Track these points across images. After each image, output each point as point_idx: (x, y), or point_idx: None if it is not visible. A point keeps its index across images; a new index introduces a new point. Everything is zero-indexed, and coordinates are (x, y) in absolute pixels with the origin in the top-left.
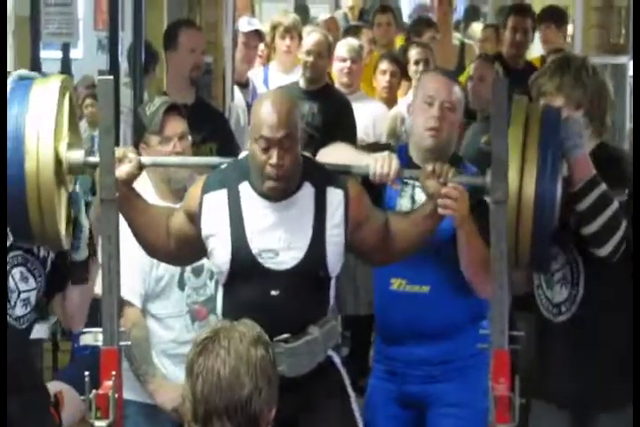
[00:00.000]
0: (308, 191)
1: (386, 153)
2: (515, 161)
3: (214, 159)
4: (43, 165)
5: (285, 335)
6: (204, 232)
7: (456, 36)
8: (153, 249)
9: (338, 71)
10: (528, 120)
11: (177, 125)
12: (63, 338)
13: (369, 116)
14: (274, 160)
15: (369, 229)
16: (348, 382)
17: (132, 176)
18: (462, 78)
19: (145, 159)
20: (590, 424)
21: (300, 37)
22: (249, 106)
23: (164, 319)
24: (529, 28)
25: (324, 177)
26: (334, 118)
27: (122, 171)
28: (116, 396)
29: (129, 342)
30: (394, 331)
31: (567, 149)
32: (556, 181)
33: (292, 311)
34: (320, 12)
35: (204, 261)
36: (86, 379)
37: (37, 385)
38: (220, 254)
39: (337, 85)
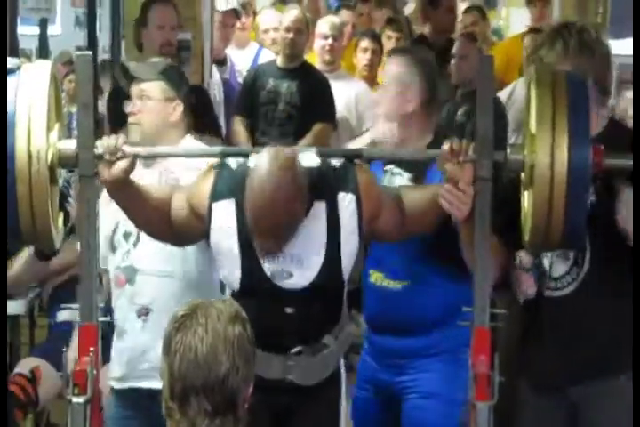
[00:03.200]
0: (318, 208)
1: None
2: (545, 129)
3: (216, 149)
4: (35, 161)
5: (298, 348)
6: (213, 241)
7: None
8: (153, 233)
9: (319, 48)
10: (554, 86)
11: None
12: (40, 314)
13: (351, 93)
14: (266, 247)
15: (384, 217)
16: (343, 382)
17: (130, 172)
18: None
19: (142, 151)
20: (584, 404)
21: (255, 14)
22: (225, 83)
23: None
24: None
25: (333, 183)
26: (312, 96)
27: (119, 169)
28: (94, 372)
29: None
30: (370, 320)
31: None
32: (588, 148)
33: (308, 326)
34: None
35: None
36: (63, 355)
37: None
38: (230, 272)
39: (319, 63)
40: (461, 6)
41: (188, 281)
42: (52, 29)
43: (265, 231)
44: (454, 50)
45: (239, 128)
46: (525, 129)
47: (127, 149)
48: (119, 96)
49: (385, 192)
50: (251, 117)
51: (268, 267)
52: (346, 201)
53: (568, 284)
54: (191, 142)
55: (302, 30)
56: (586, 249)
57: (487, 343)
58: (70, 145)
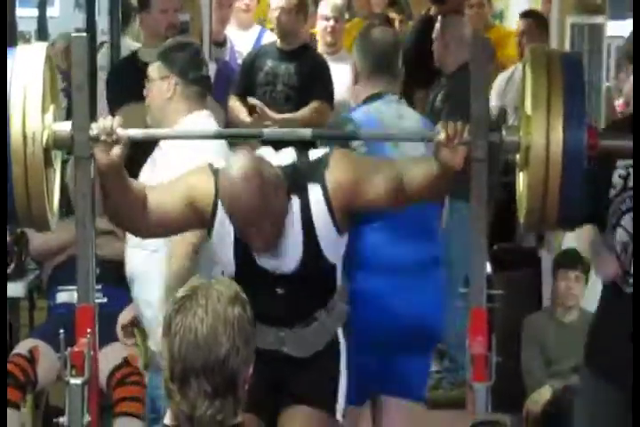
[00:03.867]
0: (294, 203)
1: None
2: (540, 111)
3: (210, 131)
4: (30, 142)
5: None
6: (214, 232)
7: None
8: (123, 223)
9: (321, 30)
10: (549, 67)
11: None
12: (39, 296)
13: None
14: (256, 247)
15: (373, 191)
16: (344, 356)
17: (123, 157)
18: None
19: (135, 133)
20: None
21: None
22: (224, 63)
23: None
24: None
25: (303, 175)
26: (310, 78)
27: (114, 154)
28: (92, 353)
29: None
30: None
31: None
32: (583, 129)
33: (300, 304)
34: None
35: None
36: (61, 336)
37: None
38: (226, 257)
39: (321, 45)
40: None
41: None
42: (51, 11)
43: (249, 235)
44: (434, 33)
45: (235, 104)
46: (521, 110)
47: (121, 131)
48: (118, 76)
49: (373, 168)
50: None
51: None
52: (314, 191)
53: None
54: (197, 118)
55: (291, 10)
56: None
57: (484, 325)
58: (65, 127)
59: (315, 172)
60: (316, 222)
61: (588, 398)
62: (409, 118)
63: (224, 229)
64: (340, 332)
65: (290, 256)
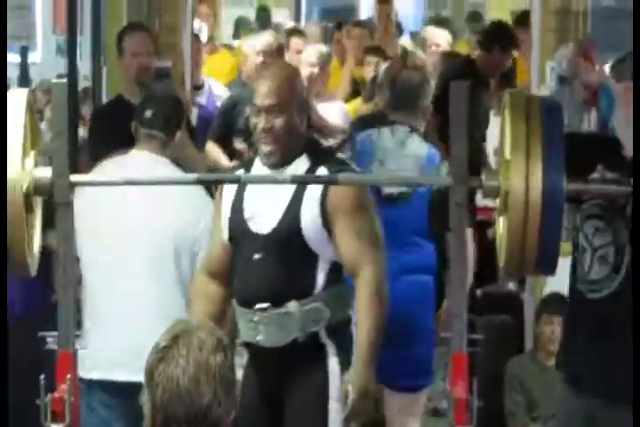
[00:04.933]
0: (302, 164)
1: None
2: (519, 156)
3: (191, 177)
4: (11, 189)
5: (265, 305)
6: (223, 204)
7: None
8: None
9: (307, 77)
10: (528, 111)
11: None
12: None
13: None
14: (262, 125)
15: (337, 235)
16: (335, 379)
17: None
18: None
19: (117, 179)
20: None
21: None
22: (201, 108)
23: None
24: None
25: (325, 157)
26: None
27: None
28: (72, 399)
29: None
30: None
31: None
32: (562, 174)
33: (272, 277)
34: (281, 18)
35: None
36: (42, 382)
37: None
38: (223, 221)
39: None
40: None
41: None
42: (33, 57)
43: (262, 106)
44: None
45: (213, 149)
46: (500, 155)
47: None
48: (103, 119)
49: (360, 216)
50: (225, 145)
51: (247, 210)
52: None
53: (602, 289)
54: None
55: (273, 55)
56: (624, 254)
57: (465, 370)
58: (46, 173)
59: (337, 161)
60: (306, 194)
61: (564, 404)
62: (411, 147)
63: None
64: (330, 349)
65: (272, 214)
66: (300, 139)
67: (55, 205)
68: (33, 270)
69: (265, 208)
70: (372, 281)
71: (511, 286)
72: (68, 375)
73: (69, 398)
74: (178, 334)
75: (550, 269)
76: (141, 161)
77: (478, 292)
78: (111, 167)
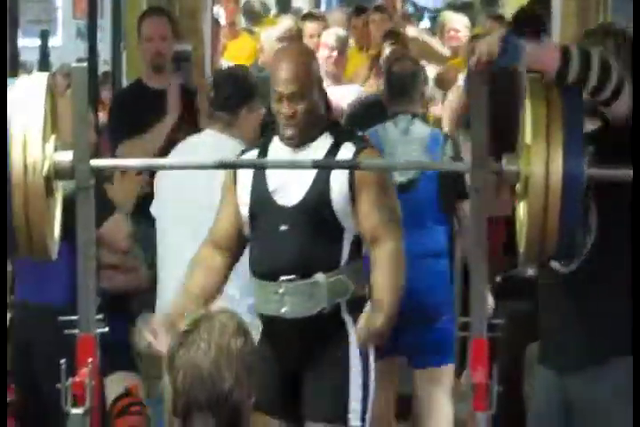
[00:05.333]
0: (325, 141)
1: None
2: (540, 141)
3: (209, 161)
4: (31, 172)
5: (291, 276)
6: (239, 179)
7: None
8: None
9: (324, 59)
10: (549, 96)
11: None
12: None
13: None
14: (284, 110)
15: (360, 206)
16: (354, 351)
17: None
18: None
19: (134, 163)
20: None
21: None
22: None
23: None
24: None
25: (347, 135)
26: None
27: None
28: (93, 383)
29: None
30: None
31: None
32: (582, 159)
33: (299, 248)
34: (300, 2)
35: None
36: (62, 366)
37: None
38: (242, 196)
39: (322, 74)
40: None
41: None
42: (54, 41)
43: (284, 92)
44: None
45: None
46: (521, 139)
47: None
48: (123, 104)
49: (382, 196)
50: None
51: (271, 184)
52: (348, 149)
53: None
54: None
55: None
56: (593, 219)
57: (485, 355)
58: (66, 157)
59: (359, 138)
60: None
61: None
62: (415, 131)
63: (246, 175)
64: (350, 327)
65: (300, 185)
66: (322, 120)
67: (76, 190)
68: (53, 254)
69: (291, 181)
70: (393, 248)
71: (531, 271)
72: (90, 359)
73: (90, 383)
74: (199, 318)
75: (571, 253)
76: (210, 140)
77: (498, 277)
78: (182, 148)
